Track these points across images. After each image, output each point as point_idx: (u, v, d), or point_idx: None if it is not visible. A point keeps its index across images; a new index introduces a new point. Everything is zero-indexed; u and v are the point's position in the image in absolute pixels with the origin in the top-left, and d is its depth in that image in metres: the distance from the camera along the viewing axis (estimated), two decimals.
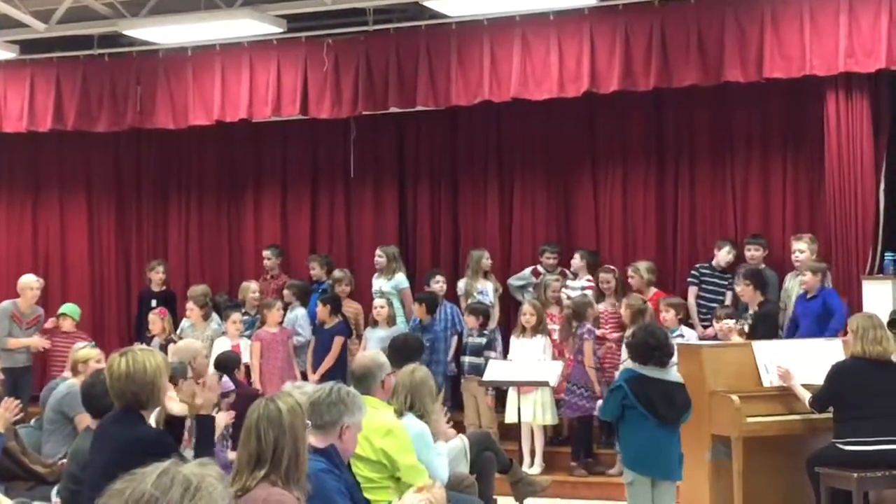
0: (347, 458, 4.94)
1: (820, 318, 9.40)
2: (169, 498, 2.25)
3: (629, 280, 10.60)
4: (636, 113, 11.42)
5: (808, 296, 9.56)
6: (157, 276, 12.21)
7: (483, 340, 10.42)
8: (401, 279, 11.46)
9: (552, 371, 10.02)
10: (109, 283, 13.37)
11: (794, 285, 9.89)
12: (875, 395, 7.61)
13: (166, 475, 2.31)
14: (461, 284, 11.32)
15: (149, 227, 13.47)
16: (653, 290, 10.48)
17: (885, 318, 8.38)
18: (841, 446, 7.61)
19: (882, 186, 10.14)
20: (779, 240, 10.69)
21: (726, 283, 10.51)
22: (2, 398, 6.91)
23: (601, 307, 10.53)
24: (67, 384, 7.73)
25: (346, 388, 5.00)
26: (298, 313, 11.28)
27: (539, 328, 10.25)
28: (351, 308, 11.46)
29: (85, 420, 6.52)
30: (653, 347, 7.22)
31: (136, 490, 2.29)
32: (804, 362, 8.16)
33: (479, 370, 10.17)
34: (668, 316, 9.83)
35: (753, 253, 10.40)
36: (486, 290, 11.21)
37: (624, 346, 8.62)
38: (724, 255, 10.57)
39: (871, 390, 7.62)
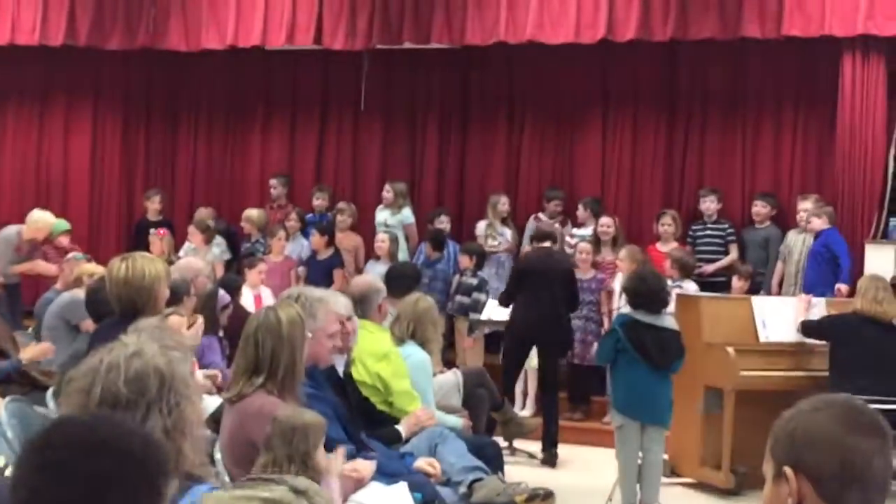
0: (325, 366, 4.89)
1: (821, 259, 9.41)
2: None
3: (663, 228, 10.53)
4: (649, 64, 11.35)
5: (813, 237, 9.58)
6: (153, 206, 12.19)
7: (475, 281, 10.37)
8: (407, 214, 11.46)
9: None
10: (110, 209, 13.27)
11: (796, 241, 9.88)
12: (873, 353, 7.65)
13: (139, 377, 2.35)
14: (481, 227, 11.25)
15: (155, 153, 13.41)
16: (674, 242, 10.46)
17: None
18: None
19: (893, 152, 10.11)
20: (785, 199, 10.67)
21: (722, 233, 10.50)
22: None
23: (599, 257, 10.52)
24: (71, 293, 7.74)
25: (304, 295, 4.94)
26: (304, 243, 11.29)
27: None
28: (352, 241, 11.45)
29: (90, 325, 6.54)
30: (643, 293, 7.24)
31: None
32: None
33: (464, 310, 10.20)
34: (672, 270, 9.83)
35: (760, 210, 10.39)
36: (506, 235, 11.22)
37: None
38: (709, 205, 10.55)
39: (868, 347, 7.66)
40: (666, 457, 8.03)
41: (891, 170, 10.07)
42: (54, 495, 1.73)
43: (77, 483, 1.72)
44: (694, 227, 10.73)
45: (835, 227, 9.58)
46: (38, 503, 1.73)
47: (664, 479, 7.79)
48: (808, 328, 8.03)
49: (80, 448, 1.75)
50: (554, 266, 9.09)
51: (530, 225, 11.34)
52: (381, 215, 11.47)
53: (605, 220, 10.66)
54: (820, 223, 9.52)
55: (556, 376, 9.22)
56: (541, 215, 11.35)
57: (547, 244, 9.31)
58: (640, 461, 7.33)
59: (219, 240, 11.32)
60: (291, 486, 1.86)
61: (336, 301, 5.07)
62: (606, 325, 9.75)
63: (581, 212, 11.10)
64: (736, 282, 9.78)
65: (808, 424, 2.06)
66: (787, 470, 2.03)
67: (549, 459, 8.76)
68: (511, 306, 9.14)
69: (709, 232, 10.59)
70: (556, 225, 11.07)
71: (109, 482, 1.73)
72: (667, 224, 10.49)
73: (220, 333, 7.17)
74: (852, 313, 7.92)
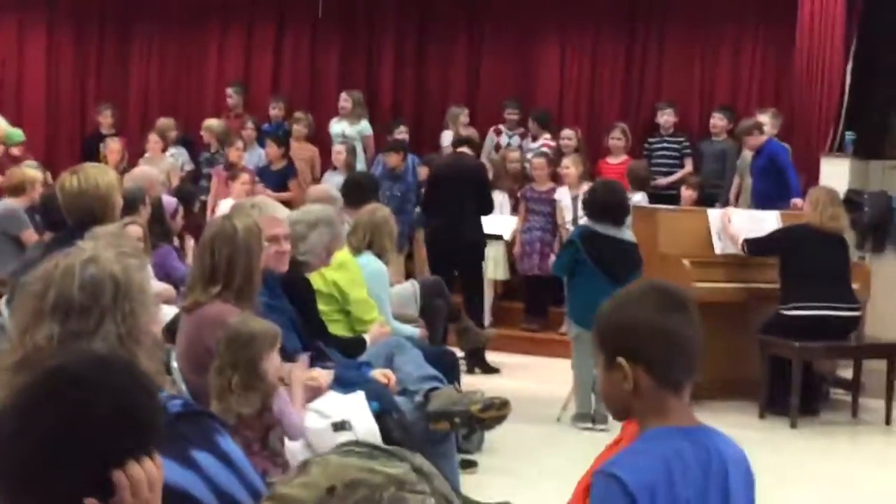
0: (279, 272, 4.88)
1: (767, 173, 9.48)
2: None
3: (613, 142, 10.54)
4: None
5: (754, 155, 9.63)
6: (105, 120, 12.04)
7: None
8: (366, 125, 11.39)
9: (506, 226, 10.09)
10: (64, 121, 13.10)
11: (747, 155, 9.92)
12: (822, 263, 7.75)
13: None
14: (446, 138, 11.17)
15: (108, 64, 13.18)
16: (625, 155, 10.47)
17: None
18: (785, 312, 7.77)
19: (850, 66, 10.14)
20: (743, 113, 10.67)
21: (678, 146, 10.52)
22: None
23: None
24: (6, 203, 7.63)
25: (249, 202, 4.90)
26: (260, 153, 11.20)
27: (496, 183, 10.26)
28: (307, 151, 11.37)
29: (32, 236, 6.46)
30: (610, 204, 7.28)
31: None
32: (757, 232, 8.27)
33: (422, 221, 10.17)
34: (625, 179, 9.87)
35: (717, 122, 10.42)
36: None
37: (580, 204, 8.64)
38: (666, 118, 10.55)
39: (818, 258, 7.75)
40: None
41: (848, 84, 10.10)
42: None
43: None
44: (650, 140, 10.74)
45: (771, 138, 9.59)
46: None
47: None
48: (754, 244, 8.06)
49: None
50: (464, 170, 9.02)
51: (490, 137, 11.31)
52: (339, 126, 11.37)
53: (566, 132, 10.67)
54: (755, 140, 9.53)
55: (478, 285, 9.19)
56: (501, 127, 11.31)
57: (463, 149, 9.25)
58: (595, 372, 7.43)
59: (177, 150, 11.20)
60: (414, 466, 1.82)
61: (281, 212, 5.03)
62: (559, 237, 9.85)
63: (531, 125, 11.07)
64: (684, 191, 9.79)
65: (630, 314, 2.25)
66: (621, 360, 2.22)
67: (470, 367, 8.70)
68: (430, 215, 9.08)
69: (665, 145, 10.61)
70: (516, 137, 11.06)
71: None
72: (616, 138, 10.51)
73: (176, 242, 7.13)
74: (804, 225, 8.00)
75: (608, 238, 7.27)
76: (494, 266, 10.13)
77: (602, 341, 2.28)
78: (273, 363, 3.78)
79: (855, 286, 8.45)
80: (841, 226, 7.95)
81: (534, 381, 8.67)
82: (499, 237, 9.96)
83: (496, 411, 5.07)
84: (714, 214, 8.51)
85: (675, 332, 2.22)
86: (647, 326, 2.21)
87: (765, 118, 9.91)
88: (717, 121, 10.42)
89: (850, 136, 9.76)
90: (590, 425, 7.32)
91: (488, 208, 9.14)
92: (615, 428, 7.55)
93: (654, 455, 2.20)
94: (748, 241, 8.08)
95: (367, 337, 5.57)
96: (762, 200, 9.26)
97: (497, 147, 11.27)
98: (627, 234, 7.46)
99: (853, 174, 9.59)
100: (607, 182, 8.04)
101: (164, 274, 6.11)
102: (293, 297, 5.00)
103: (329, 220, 5.42)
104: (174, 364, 4.12)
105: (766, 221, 8.35)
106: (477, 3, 11.97)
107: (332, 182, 10.34)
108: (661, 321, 2.22)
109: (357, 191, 7.62)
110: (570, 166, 9.79)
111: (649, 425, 2.25)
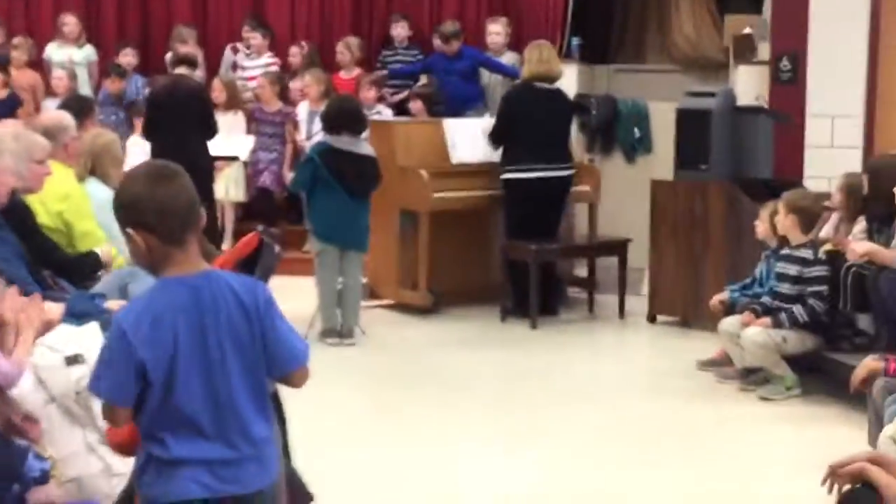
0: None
1: (470, 75, 9.84)
2: None
3: (339, 56, 10.43)
4: None
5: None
6: None
7: None
8: (91, 50, 10.88)
9: (243, 147, 9.90)
10: None
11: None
12: (536, 122, 8.01)
13: None
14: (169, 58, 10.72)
15: None
16: (357, 69, 10.39)
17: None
18: (505, 176, 8.02)
19: None
20: (473, 23, 10.73)
21: (413, 59, 10.53)
22: None
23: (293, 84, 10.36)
24: None
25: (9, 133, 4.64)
26: None
27: (231, 104, 10.03)
28: (29, 78, 10.76)
29: None
30: (343, 115, 7.28)
31: None
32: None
33: None
34: (369, 94, 9.81)
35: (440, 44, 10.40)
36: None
37: (317, 119, 8.55)
38: (399, 31, 10.54)
39: (533, 118, 8.00)
40: (365, 280, 8.19)
41: None
42: None
43: None
44: (385, 53, 10.69)
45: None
46: None
47: (364, 303, 7.96)
48: (495, 134, 8.21)
49: None
50: (182, 92, 8.76)
51: (227, 55, 11.00)
52: (62, 52, 10.79)
53: (292, 48, 10.51)
54: (453, 46, 9.79)
55: (210, 209, 8.99)
56: (238, 45, 10.99)
57: (182, 70, 9.00)
58: (339, 286, 7.43)
59: None
60: None
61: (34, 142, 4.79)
62: (289, 155, 9.76)
63: (257, 40, 10.72)
64: (412, 104, 9.78)
65: (128, 192, 2.73)
66: (130, 231, 2.68)
67: None
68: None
69: (399, 58, 10.58)
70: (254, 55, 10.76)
71: None
72: (339, 52, 10.42)
73: None
74: (522, 84, 8.23)
75: (347, 154, 7.25)
76: (234, 187, 9.92)
77: (117, 217, 2.72)
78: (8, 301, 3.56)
79: (585, 188, 8.76)
80: (554, 69, 8.22)
81: (279, 300, 8.55)
82: (235, 158, 9.75)
83: None
84: (449, 124, 8.59)
85: (167, 199, 2.67)
86: (144, 199, 2.66)
87: (497, 27, 10.02)
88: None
89: (576, 41, 10.01)
90: (337, 340, 7.34)
91: (210, 132, 8.83)
92: (363, 341, 7.61)
93: (147, 298, 2.71)
94: (489, 136, 8.22)
95: (98, 251, 5.37)
96: (462, 104, 9.62)
97: (234, 66, 10.97)
98: (366, 148, 7.44)
99: (581, 79, 9.87)
100: (342, 96, 8.01)
101: None
102: (14, 227, 4.75)
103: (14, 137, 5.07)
104: None
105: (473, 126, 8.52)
106: None
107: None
108: (153, 192, 2.67)
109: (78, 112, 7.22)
110: (312, 84, 9.69)
111: (162, 276, 2.72)
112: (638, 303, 8.25)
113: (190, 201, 2.73)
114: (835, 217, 6.79)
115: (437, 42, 10.13)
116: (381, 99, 10.03)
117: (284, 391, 3.36)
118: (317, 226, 7.43)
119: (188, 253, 2.72)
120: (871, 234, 6.24)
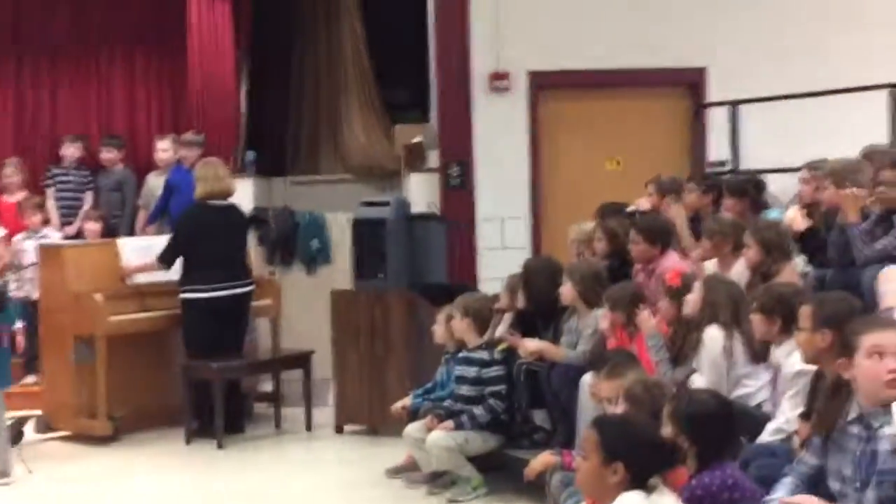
0: None
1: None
2: None
3: (6, 179, 9.97)
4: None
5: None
6: None
7: None
8: None
9: None
10: None
11: (157, 183, 9.84)
12: (213, 240, 7.96)
13: None
14: None
15: None
16: (22, 192, 9.97)
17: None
18: (184, 296, 7.89)
19: (244, 90, 10.43)
20: (144, 141, 10.56)
21: (85, 181, 10.23)
22: None
23: None
24: None
25: None
26: None
27: None
28: None
29: None
30: None
31: None
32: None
33: None
34: (35, 219, 9.44)
35: (106, 154, 10.17)
36: None
37: None
38: (72, 151, 10.26)
39: (211, 236, 7.95)
40: (40, 412, 7.79)
41: (244, 108, 10.39)
42: None
43: None
44: (55, 171, 10.28)
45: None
46: None
47: (40, 436, 7.56)
48: (165, 254, 8.03)
49: None
50: None
51: None
52: None
53: None
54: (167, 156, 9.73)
55: None
56: None
57: None
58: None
59: None
60: None
61: None
62: None
63: None
64: (88, 226, 9.48)
65: None
66: None
67: None
68: None
69: (71, 178, 10.24)
70: None
71: None
72: (7, 176, 10.02)
73: None
74: (198, 202, 8.15)
75: None
76: None
77: None
78: None
79: (266, 301, 8.72)
80: (230, 185, 8.24)
81: None
82: None
83: None
84: (123, 244, 8.38)
85: None
86: None
87: (165, 144, 9.87)
88: (106, 153, 10.18)
89: (251, 154, 10.01)
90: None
91: None
92: (17, 481, 7.11)
93: None
94: (159, 258, 8.02)
95: None
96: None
97: None
98: None
99: (257, 192, 9.88)
100: None
101: None
102: None
103: None
104: None
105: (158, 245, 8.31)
106: None
107: None
108: None
109: None
110: None
111: None
112: (325, 414, 8.23)
113: None
114: (508, 317, 7.04)
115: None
116: (46, 222, 9.66)
117: None
118: None
119: None
120: (537, 331, 6.50)
